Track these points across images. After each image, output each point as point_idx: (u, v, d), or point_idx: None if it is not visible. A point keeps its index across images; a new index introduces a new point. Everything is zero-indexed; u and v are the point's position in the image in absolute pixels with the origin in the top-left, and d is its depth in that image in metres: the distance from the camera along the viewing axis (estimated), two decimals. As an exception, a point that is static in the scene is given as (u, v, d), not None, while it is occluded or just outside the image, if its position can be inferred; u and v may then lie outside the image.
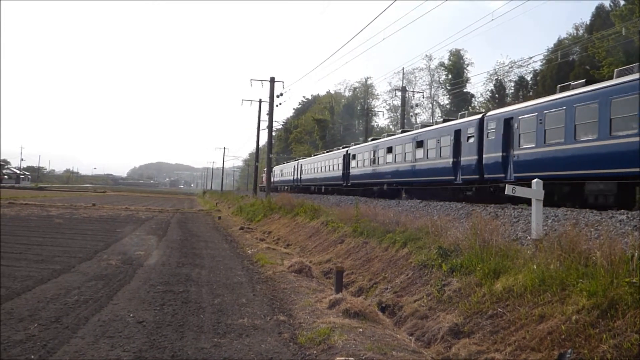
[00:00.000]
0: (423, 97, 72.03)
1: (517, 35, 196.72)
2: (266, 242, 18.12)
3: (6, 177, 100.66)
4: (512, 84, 57.51)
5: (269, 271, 11.49)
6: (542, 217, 9.00)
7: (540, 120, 16.18)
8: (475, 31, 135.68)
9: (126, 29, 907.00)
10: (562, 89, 16.28)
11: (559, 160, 15.28)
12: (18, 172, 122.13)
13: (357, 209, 15.83)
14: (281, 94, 38.96)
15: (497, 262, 7.63)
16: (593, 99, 14.26)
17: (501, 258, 7.78)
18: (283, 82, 39.04)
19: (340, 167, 36.77)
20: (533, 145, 16.42)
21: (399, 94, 50.30)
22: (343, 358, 5.60)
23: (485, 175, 18.91)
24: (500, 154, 17.99)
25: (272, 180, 63.69)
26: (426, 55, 70.24)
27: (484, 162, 18.97)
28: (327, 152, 44.91)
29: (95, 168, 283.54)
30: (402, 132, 28.54)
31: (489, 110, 21.81)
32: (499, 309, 6.55)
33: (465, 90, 58.66)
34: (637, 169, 12.67)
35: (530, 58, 68.13)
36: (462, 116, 22.29)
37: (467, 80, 60.80)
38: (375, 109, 78.96)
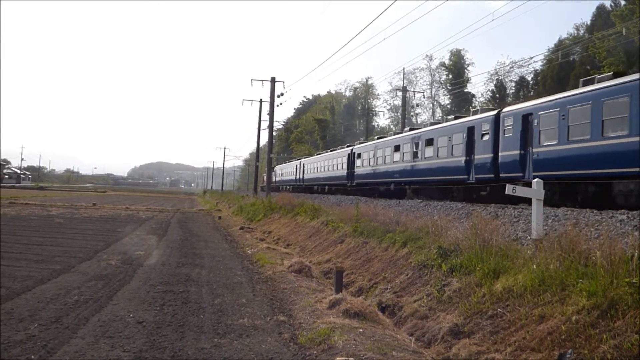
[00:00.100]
0: (424, 97, 72.14)
1: (517, 35, 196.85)
2: (266, 242, 18.13)
3: (7, 176, 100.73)
4: (513, 84, 57.55)
5: (269, 271, 11.49)
6: (542, 216, 9.00)
7: (563, 115, 15.32)
8: (476, 31, 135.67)
9: (126, 29, 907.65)
10: (586, 83, 15.48)
11: (584, 159, 14.45)
12: (18, 171, 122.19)
13: (357, 209, 15.83)
14: (282, 94, 38.98)
15: (497, 262, 7.63)
16: (623, 92, 13.40)
17: (501, 258, 7.78)
18: (284, 82, 39.08)
19: (345, 166, 35.90)
20: (555, 143, 15.59)
21: (399, 93, 50.28)
22: (343, 358, 5.60)
23: (501, 175, 18.01)
24: (518, 151, 17.18)
25: (273, 180, 63.59)
26: (427, 55, 70.34)
27: (500, 160, 18.16)
28: (331, 151, 43.98)
29: (95, 168, 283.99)
30: (409, 129, 27.77)
31: (502, 106, 21.00)
32: (499, 309, 6.55)
33: (465, 90, 58.66)
34: None
35: (531, 58, 68.20)
36: (475, 113, 21.50)
37: (468, 80, 60.85)
38: (376, 109, 79.11)
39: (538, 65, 52.62)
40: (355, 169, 33.72)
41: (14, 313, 7.04)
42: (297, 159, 57.83)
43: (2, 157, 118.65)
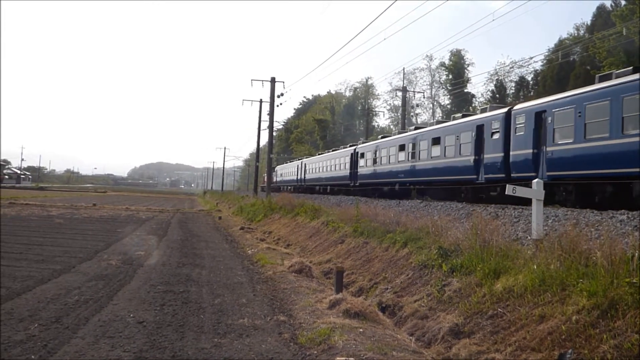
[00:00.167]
0: (424, 97, 72.15)
1: (517, 35, 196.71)
2: (266, 242, 18.13)
3: (7, 177, 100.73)
4: (513, 84, 57.55)
5: (269, 271, 11.50)
6: (542, 217, 9.00)
7: (579, 113, 14.55)
8: (476, 31, 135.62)
9: (126, 29, 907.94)
10: (603, 79, 14.79)
11: (602, 158, 13.71)
12: (19, 172, 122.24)
13: (357, 209, 15.83)
14: (282, 94, 38.99)
15: (497, 262, 7.63)
16: None
17: (501, 258, 7.78)
18: (284, 82, 39.09)
19: (348, 166, 35.20)
20: (570, 141, 14.85)
21: (399, 94, 50.31)
22: (343, 358, 5.60)
23: (512, 174, 17.23)
24: (531, 150, 16.48)
25: (274, 180, 63.36)
26: (427, 56, 70.33)
27: (511, 159, 17.45)
28: (333, 150, 43.18)
29: (95, 168, 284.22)
30: (415, 128, 27.14)
31: (513, 104, 20.06)
32: (499, 309, 6.55)
33: (465, 90, 58.66)
34: None
35: (531, 58, 68.25)
36: (483, 111, 20.82)
37: (468, 80, 60.83)
38: (376, 109, 79.09)
39: (538, 66, 52.68)
40: (359, 169, 33.05)
41: (14, 313, 7.04)
42: (299, 159, 57.24)
43: (2, 158, 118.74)
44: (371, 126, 71.14)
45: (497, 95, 54.07)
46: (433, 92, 73.38)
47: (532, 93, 48.85)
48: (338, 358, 5.63)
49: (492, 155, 18.57)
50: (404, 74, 56.35)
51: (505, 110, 18.57)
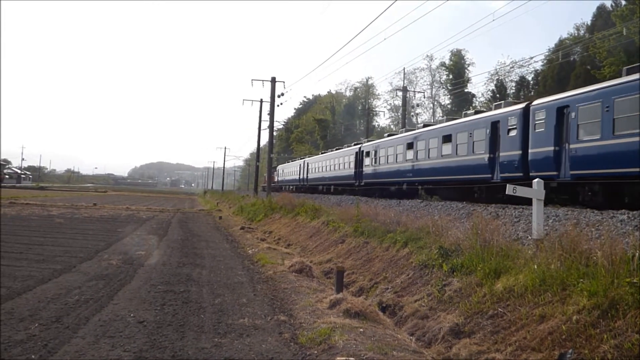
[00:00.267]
0: (424, 97, 72.12)
1: (518, 35, 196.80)
2: (267, 242, 18.13)
3: (7, 176, 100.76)
4: (513, 84, 57.53)
5: (269, 271, 11.50)
6: (543, 217, 9.00)
7: (607, 107, 13.70)
8: (477, 31, 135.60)
9: (127, 28, 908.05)
10: (631, 71, 14.01)
11: (633, 155, 12.86)
12: (19, 171, 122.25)
13: (357, 209, 15.83)
14: (282, 94, 39.01)
15: (497, 262, 7.63)
16: None
17: (502, 258, 7.78)
18: (284, 82, 39.16)
19: (352, 165, 34.30)
20: (597, 138, 14.03)
21: (400, 93, 50.27)
22: (344, 358, 5.59)
23: (531, 173, 16.21)
24: (552, 148, 15.62)
25: (276, 179, 63.15)
26: (427, 56, 70.36)
27: (529, 157, 16.64)
28: (337, 149, 42.29)
29: (96, 168, 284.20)
30: (423, 126, 26.26)
31: (531, 99, 19.03)
32: (499, 309, 6.54)
33: (466, 90, 58.65)
34: None
35: (531, 58, 68.21)
36: (497, 107, 20.01)
37: (468, 80, 60.83)
38: (377, 109, 79.12)
39: (538, 65, 52.68)
40: (364, 168, 32.18)
41: (14, 313, 7.04)
42: (301, 158, 56.73)
43: (3, 157, 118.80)
44: (371, 126, 71.18)
45: (498, 95, 54.02)
46: (433, 92, 73.45)
47: (532, 93, 48.84)
48: (338, 358, 5.63)
49: (508, 153, 17.78)
50: (404, 73, 56.50)
51: (523, 105, 17.75)
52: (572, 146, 15.01)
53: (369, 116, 66.11)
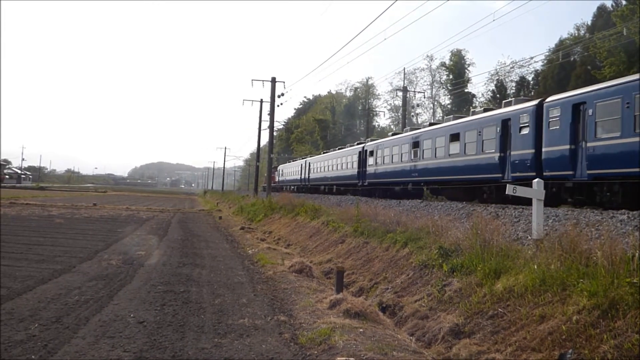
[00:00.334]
0: (424, 97, 72.15)
1: (518, 35, 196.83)
2: (267, 242, 18.13)
3: (7, 177, 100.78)
4: (514, 84, 57.53)
5: (269, 271, 11.49)
6: (542, 217, 9.00)
7: (628, 103, 13.11)
8: (477, 31, 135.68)
9: (127, 28, 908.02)
10: None
11: None
12: (19, 172, 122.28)
13: (357, 209, 15.82)
14: (282, 94, 39.04)
15: (497, 262, 7.63)
16: None
17: (502, 258, 7.78)
18: (284, 82, 39.19)
19: (355, 165, 33.76)
20: (617, 135, 13.46)
21: (400, 94, 50.27)
22: (344, 358, 5.59)
23: (545, 172, 15.69)
24: (568, 146, 15.02)
25: (277, 179, 62.98)
26: (427, 56, 70.40)
27: (543, 156, 16.01)
28: (339, 149, 41.55)
29: (96, 168, 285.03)
30: (429, 124, 25.72)
31: (545, 95, 18.27)
32: (499, 309, 6.54)
33: (466, 90, 58.66)
34: None
35: (532, 58, 68.07)
36: (507, 104, 19.30)
37: (469, 80, 60.83)
38: (377, 109, 79.22)
39: (538, 66, 52.68)
40: (367, 168, 31.57)
41: (14, 313, 7.04)
42: (302, 158, 56.31)
43: (3, 157, 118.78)
44: (372, 126, 71.21)
45: (498, 95, 54.07)
46: (433, 92, 73.47)
47: (532, 93, 48.84)
48: (338, 358, 5.63)
49: (520, 152, 17.21)
50: (404, 74, 56.46)
51: (535, 102, 17.15)
52: (589, 144, 14.40)
53: (369, 116, 66.20)
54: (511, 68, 57.11)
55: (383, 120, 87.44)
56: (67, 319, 6.85)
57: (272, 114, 39.22)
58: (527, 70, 55.17)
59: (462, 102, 59.12)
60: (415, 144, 25.04)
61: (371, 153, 31.23)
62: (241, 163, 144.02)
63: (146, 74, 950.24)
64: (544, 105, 16.45)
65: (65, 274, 10.11)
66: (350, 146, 37.64)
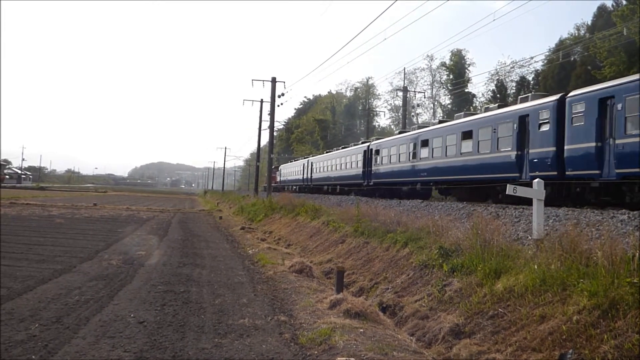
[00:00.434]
0: (424, 97, 72.14)
1: (518, 35, 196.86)
2: (267, 242, 18.12)
3: (7, 177, 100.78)
4: (514, 84, 57.51)
5: (269, 271, 11.49)
6: (543, 217, 8.99)
7: None
8: (477, 31, 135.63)
9: (127, 29, 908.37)
10: None
11: None
12: (19, 172, 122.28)
13: (358, 209, 15.82)
14: (282, 94, 39.03)
15: (498, 262, 7.63)
16: None
17: (502, 258, 7.78)
18: (284, 82, 39.19)
19: (360, 164, 32.86)
20: None
21: (400, 94, 50.29)
22: (344, 358, 5.59)
23: (567, 172, 15.00)
24: (593, 144, 14.16)
25: (278, 179, 62.79)
26: (427, 56, 70.39)
27: (565, 154, 15.14)
28: (343, 148, 40.62)
29: (96, 168, 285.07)
30: (439, 122, 24.97)
31: (567, 90, 17.32)
32: (500, 309, 6.54)
33: (466, 90, 58.66)
34: None
35: (532, 58, 68.07)
36: (524, 100, 18.43)
37: (469, 80, 60.81)
38: (377, 109, 79.21)
39: (539, 65, 52.65)
40: (373, 167, 30.67)
41: (14, 313, 7.04)
42: (304, 157, 55.69)
43: (3, 158, 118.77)
44: (372, 126, 71.18)
45: (498, 95, 54.06)
46: (434, 92, 73.46)
47: (532, 93, 48.77)
48: (339, 358, 5.63)
49: (539, 150, 16.30)
50: (404, 73, 56.52)
51: (557, 97, 16.26)
52: (618, 142, 13.53)
53: (369, 116, 66.14)
54: (511, 68, 57.14)
55: (383, 120, 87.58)
56: (67, 319, 6.85)
57: (272, 114, 39.23)
58: (527, 70, 55.18)
59: (462, 102, 59.08)
60: (424, 143, 24.20)
61: (377, 152, 30.40)
62: (241, 163, 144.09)
63: (146, 74, 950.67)
64: (566, 100, 15.56)
65: (65, 274, 10.11)
66: (355, 145, 36.91)
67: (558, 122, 15.70)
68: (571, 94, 15.72)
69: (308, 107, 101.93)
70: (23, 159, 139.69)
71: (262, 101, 46.79)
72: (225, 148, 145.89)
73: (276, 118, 41.36)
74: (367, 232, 13.36)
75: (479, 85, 79.94)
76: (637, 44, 36.89)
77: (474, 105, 57.41)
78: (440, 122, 25.18)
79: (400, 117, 54.47)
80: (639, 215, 10.31)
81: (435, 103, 73.17)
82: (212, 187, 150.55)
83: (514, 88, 56.99)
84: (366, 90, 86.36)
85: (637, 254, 5.95)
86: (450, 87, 64.37)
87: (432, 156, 23.30)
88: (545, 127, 16.25)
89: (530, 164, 16.72)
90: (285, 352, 6.02)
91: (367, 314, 7.51)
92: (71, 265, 11.07)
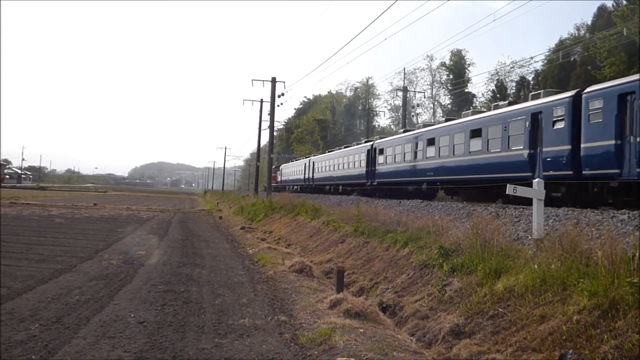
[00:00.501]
0: (424, 97, 72.15)
1: (518, 35, 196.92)
2: (267, 242, 18.12)
3: (7, 176, 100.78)
4: (514, 84, 57.52)
5: (269, 271, 11.49)
6: (543, 216, 8.99)
7: None
8: (477, 31, 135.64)
9: (127, 29, 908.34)
10: None
11: None
12: (19, 171, 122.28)
13: (358, 209, 15.82)
14: (282, 94, 39.03)
15: (498, 262, 7.63)
16: None
17: (502, 258, 7.78)
18: (284, 82, 39.20)
19: (364, 163, 32.28)
20: None
21: (400, 94, 50.27)
22: (344, 358, 5.59)
23: (584, 171, 14.42)
24: (613, 142, 13.56)
25: (279, 179, 62.62)
26: (427, 56, 70.40)
27: (582, 153, 14.55)
28: (345, 147, 39.76)
29: (96, 168, 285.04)
30: (445, 120, 24.29)
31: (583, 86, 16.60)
32: (500, 309, 6.54)
33: (466, 90, 58.66)
34: None
35: (532, 58, 68.09)
36: (535, 97, 17.76)
37: (469, 80, 60.81)
38: (377, 109, 79.22)
39: (539, 65, 52.67)
40: (377, 167, 30.04)
41: (14, 313, 7.04)
42: (306, 157, 55.26)
43: (3, 157, 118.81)
44: (372, 126, 71.19)
45: (498, 95, 54.07)
46: (434, 92, 73.46)
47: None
48: (339, 358, 5.63)
49: (554, 148, 15.70)
50: (404, 73, 56.44)
51: (572, 93, 15.67)
52: (639, 139, 13.02)
53: (369, 116, 66.20)
54: (511, 68, 57.15)
55: (383, 120, 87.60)
56: (67, 319, 6.85)
57: (272, 113, 39.22)
58: (527, 70, 55.20)
59: (462, 102, 59.08)
60: (431, 141, 23.56)
61: (381, 151, 29.77)
62: (241, 163, 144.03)
63: (146, 74, 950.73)
64: (583, 96, 14.94)
65: (65, 273, 10.11)
66: (358, 144, 36.34)
67: (574, 119, 15.11)
68: (588, 89, 15.08)
69: (308, 107, 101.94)
70: (23, 159, 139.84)
71: (262, 101, 46.82)
72: (225, 148, 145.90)
73: (276, 118, 41.42)
74: (367, 232, 13.35)
75: (479, 85, 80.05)
76: (637, 44, 36.90)
77: (473, 105, 57.42)
78: (447, 119, 24.46)
79: (400, 117, 54.47)
80: (639, 215, 10.31)
81: (435, 103, 73.22)
82: (212, 187, 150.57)
83: (513, 88, 57.01)
84: (366, 90, 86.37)
85: (637, 253, 5.95)
86: (450, 87, 64.37)
87: (439, 155, 22.69)
88: (560, 125, 15.65)
89: (543, 163, 16.16)
90: (286, 352, 6.02)
91: (367, 314, 7.51)
92: (71, 265, 11.07)
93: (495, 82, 57.45)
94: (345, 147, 39.91)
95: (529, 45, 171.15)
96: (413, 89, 68.99)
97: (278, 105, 39.26)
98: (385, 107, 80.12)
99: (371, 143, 32.23)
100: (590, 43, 42.56)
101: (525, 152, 16.92)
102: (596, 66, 42.01)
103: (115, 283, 9.45)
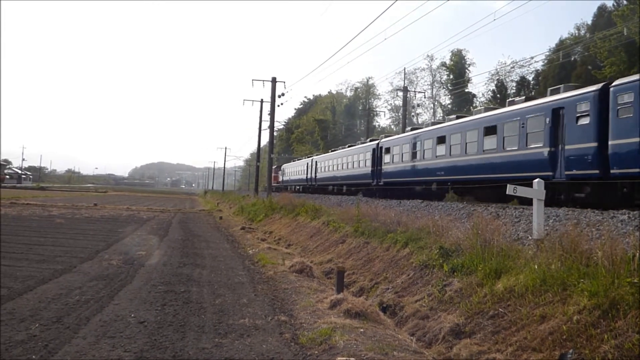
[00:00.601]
0: (425, 97, 72.21)
1: (518, 35, 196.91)
2: (267, 242, 18.12)
3: (8, 177, 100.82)
4: (514, 84, 57.53)
5: (270, 271, 11.50)
6: (543, 217, 9.00)
7: None
8: (477, 31, 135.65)
9: (127, 29, 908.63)
10: None
11: None
12: (20, 172, 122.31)
13: (358, 209, 15.82)
14: (282, 94, 39.05)
15: (498, 262, 7.63)
16: None
17: (502, 258, 7.78)
18: (284, 82, 39.22)
19: (369, 163, 31.33)
20: None
21: (400, 94, 50.32)
22: (344, 358, 5.60)
23: (612, 170, 13.56)
24: None
25: (280, 179, 62.50)
26: (428, 56, 70.46)
27: (610, 150, 13.63)
28: (349, 146, 38.74)
29: (96, 168, 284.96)
30: (456, 117, 23.50)
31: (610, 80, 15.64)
32: (500, 309, 6.54)
33: (466, 90, 58.68)
34: None
35: (532, 58, 68.10)
36: (554, 92, 16.92)
37: (469, 80, 60.84)
38: (377, 109, 79.32)
39: (539, 65, 52.71)
40: (383, 166, 29.14)
41: (15, 313, 7.05)
42: (308, 156, 54.65)
43: (3, 158, 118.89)
44: (372, 126, 71.24)
45: (498, 95, 54.11)
46: (434, 92, 73.54)
47: (532, 93, 48.84)
48: (339, 358, 5.63)
49: (577, 145, 14.76)
50: (404, 73, 56.49)
51: (599, 87, 14.68)
52: None
53: (369, 116, 66.23)
54: (511, 68, 57.19)
55: (383, 120, 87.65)
56: (67, 319, 6.85)
57: (272, 114, 39.24)
58: (528, 70, 55.26)
59: (462, 102, 59.16)
60: (441, 139, 22.66)
61: (387, 150, 28.82)
62: (241, 163, 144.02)
63: (146, 74, 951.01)
64: (611, 89, 14.01)
65: (65, 274, 10.12)
66: (362, 143, 35.58)
67: (600, 115, 14.20)
68: (616, 82, 14.17)
69: (308, 107, 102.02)
70: (23, 159, 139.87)
71: (262, 101, 46.86)
72: (226, 148, 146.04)
73: (276, 118, 41.47)
74: (367, 232, 13.36)
75: (479, 85, 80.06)
76: (638, 44, 36.91)
77: (474, 105, 57.42)
78: (458, 117, 23.72)
79: (400, 117, 54.49)
80: (639, 215, 10.31)
81: (436, 103, 73.29)
82: (213, 187, 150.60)
83: (514, 88, 57.04)
84: (366, 90, 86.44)
85: (638, 254, 5.95)
86: (450, 87, 64.40)
87: (450, 154, 21.75)
88: (584, 120, 14.67)
89: (566, 162, 15.19)
90: (286, 352, 6.02)
91: (367, 314, 7.52)
92: (71, 265, 11.08)
93: (495, 82, 57.51)
94: (349, 146, 39.05)
95: (529, 45, 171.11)
96: (413, 89, 69.17)
97: (278, 106, 39.32)
98: (385, 107, 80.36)
99: (377, 142, 31.36)
100: (590, 43, 42.58)
101: (545, 150, 16.01)
102: (597, 66, 42.03)
103: (116, 283, 9.46)
